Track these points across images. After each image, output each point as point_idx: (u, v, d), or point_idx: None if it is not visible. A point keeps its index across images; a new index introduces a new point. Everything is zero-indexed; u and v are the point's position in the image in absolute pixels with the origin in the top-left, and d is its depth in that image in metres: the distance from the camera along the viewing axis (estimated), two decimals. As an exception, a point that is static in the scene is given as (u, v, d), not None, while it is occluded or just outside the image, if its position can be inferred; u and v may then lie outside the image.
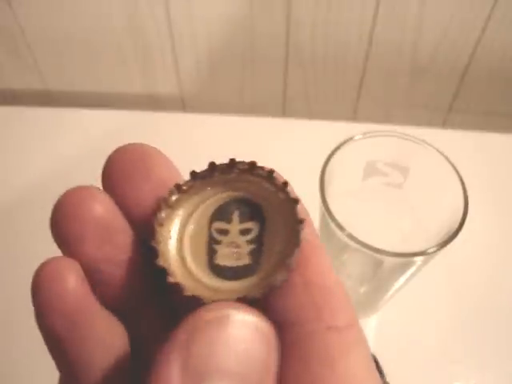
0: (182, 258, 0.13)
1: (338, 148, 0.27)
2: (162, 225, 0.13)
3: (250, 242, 0.13)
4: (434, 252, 0.24)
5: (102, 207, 0.13)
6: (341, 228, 0.25)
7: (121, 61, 0.49)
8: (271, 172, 0.14)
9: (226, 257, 0.13)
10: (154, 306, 0.14)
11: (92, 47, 0.48)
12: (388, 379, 0.31)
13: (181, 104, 0.53)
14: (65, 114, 0.49)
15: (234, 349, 0.11)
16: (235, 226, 0.14)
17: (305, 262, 0.13)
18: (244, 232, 0.14)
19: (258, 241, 0.13)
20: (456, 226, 0.25)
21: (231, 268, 0.13)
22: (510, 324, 0.35)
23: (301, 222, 0.13)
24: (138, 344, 0.14)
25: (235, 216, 0.14)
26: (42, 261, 0.13)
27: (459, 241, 0.25)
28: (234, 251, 0.13)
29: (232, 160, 0.14)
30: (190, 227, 0.14)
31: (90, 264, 0.13)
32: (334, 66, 0.47)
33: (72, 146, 0.46)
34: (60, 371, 0.13)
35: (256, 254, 0.13)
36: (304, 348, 0.12)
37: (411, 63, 0.46)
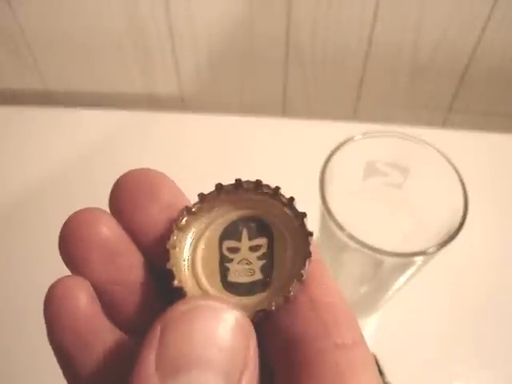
0: (197, 279, 0.14)
1: (337, 148, 0.27)
2: (174, 247, 0.14)
3: (260, 257, 0.14)
4: (434, 252, 0.24)
5: (107, 229, 0.13)
6: (341, 228, 0.25)
7: (121, 61, 0.49)
8: (277, 189, 0.14)
9: (239, 273, 0.14)
10: None
11: (92, 47, 0.48)
12: (388, 379, 0.31)
13: (181, 104, 0.53)
14: (65, 113, 0.49)
15: (211, 339, 0.11)
16: (245, 243, 0.14)
17: (310, 279, 0.13)
18: (254, 248, 0.14)
19: (269, 256, 0.14)
20: (456, 225, 0.25)
21: (244, 284, 0.14)
22: (510, 324, 0.35)
23: (310, 234, 0.13)
24: None
25: (244, 234, 0.14)
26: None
27: (459, 241, 0.25)
28: (246, 268, 0.14)
29: (238, 180, 0.14)
30: (202, 248, 0.14)
31: (95, 284, 0.13)
32: (333, 65, 0.47)
33: (72, 146, 0.46)
34: None
35: (267, 269, 0.14)
36: (314, 367, 0.12)
37: (411, 63, 0.46)
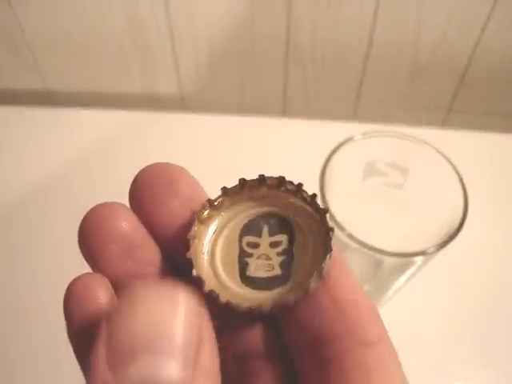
0: (215, 271, 0.14)
1: (337, 148, 0.27)
2: (194, 238, 0.14)
3: (280, 253, 0.14)
4: (434, 252, 0.24)
5: (126, 223, 0.14)
6: (341, 228, 0.25)
7: (121, 60, 0.49)
8: (300, 186, 0.14)
9: (258, 268, 0.14)
10: None
11: (92, 47, 0.48)
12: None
13: (181, 104, 0.53)
14: (65, 113, 0.49)
15: (156, 323, 0.10)
16: (265, 239, 0.14)
17: (332, 277, 0.13)
18: (274, 244, 0.14)
19: (288, 252, 0.14)
20: (456, 225, 0.25)
21: (263, 278, 0.14)
22: (510, 324, 0.35)
23: (331, 229, 0.13)
24: None
25: (265, 230, 0.14)
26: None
27: (459, 241, 0.25)
28: (266, 263, 0.14)
29: (261, 176, 0.15)
30: (221, 241, 0.14)
31: (114, 278, 0.13)
32: (334, 65, 0.47)
33: (72, 146, 0.46)
34: None
35: (287, 265, 0.14)
36: (343, 364, 0.12)
37: (411, 63, 0.46)
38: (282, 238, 0.14)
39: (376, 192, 0.31)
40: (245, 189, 0.15)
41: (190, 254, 0.13)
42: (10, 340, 0.35)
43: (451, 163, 0.27)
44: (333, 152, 0.27)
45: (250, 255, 0.14)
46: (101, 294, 0.13)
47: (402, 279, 0.28)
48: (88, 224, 0.13)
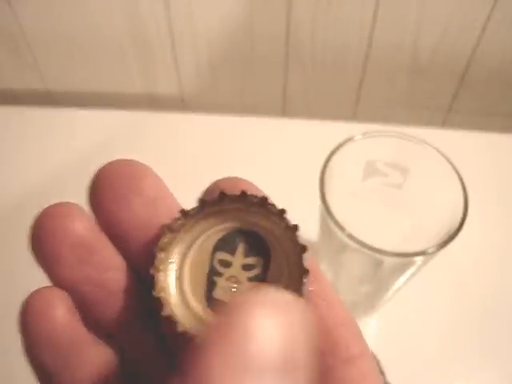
0: (181, 288, 0.13)
1: (337, 148, 0.27)
2: (163, 250, 0.13)
3: (252, 279, 0.13)
4: (434, 252, 0.24)
5: (81, 225, 0.12)
6: (341, 228, 0.25)
7: (121, 60, 0.49)
8: (282, 211, 0.13)
9: (224, 291, 0.13)
10: (146, 328, 0.13)
11: (92, 47, 0.48)
12: (388, 379, 0.31)
13: (181, 104, 0.53)
14: (65, 114, 0.49)
15: (276, 338, 0.09)
16: (239, 259, 0.13)
17: (313, 293, 0.13)
18: (247, 267, 0.13)
19: (261, 279, 0.13)
20: (456, 225, 0.25)
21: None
22: (510, 324, 0.35)
23: (304, 249, 0.12)
24: (131, 367, 0.13)
25: (240, 249, 0.13)
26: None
27: (459, 241, 0.25)
28: (234, 286, 0.13)
29: (243, 192, 0.13)
30: (192, 255, 0.13)
31: (70, 285, 0.12)
32: (333, 66, 0.47)
33: (72, 146, 0.46)
34: None
35: None
36: (326, 382, 0.12)
37: (411, 63, 0.46)
38: (257, 261, 0.13)
39: (376, 192, 0.31)
40: (224, 201, 0.13)
41: (153, 269, 0.12)
42: (9, 340, 0.35)
43: (451, 163, 0.27)
44: (333, 152, 0.27)
45: (220, 274, 0.13)
46: (59, 314, 0.12)
47: (402, 279, 0.28)
48: (40, 226, 0.12)
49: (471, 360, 0.34)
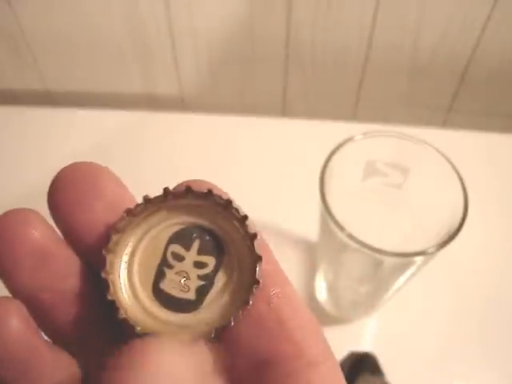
0: (132, 284, 0.13)
1: (337, 148, 0.27)
2: (111, 251, 0.13)
3: (201, 277, 0.13)
4: (434, 252, 0.24)
5: (37, 232, 0.12)
6: (341, 228, 0.25)
7: (121, 61, 0.49)
8: (245, 217, 0.13)
9: (172, 285, 0.13)
10: (105, 335, 0.13)
11: (92, 47, 0.48)
12: (388, 379, 0.31)
13: (181, 104, 0.53)
14: (65, 114, 0.49)
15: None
16: (192, 255, 0.13)
17: (274, 295, 0.12)
18: (199, 265, 0.13)
19: (210, 279, 0.13)
20: (456, 226, 0.25)
21: (174, 299, 0.13)
22: (510, 324, 0.35)
23: (259, 259, 0.12)
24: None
25: (195, 245, 0.13)
26: None
27: (459, 241, 0.25)
28: (182, 281, 0.13)
29: (209, 190, 0.13)
30: (143, 248, 0.13)
31: (26, 293, 0.12)
32: (333, 66, 0.47)
33: (72, 146, 0.46)
34: None
35: (202, 293, 0.13)
36: None
37: (411, 63, 0.46)
38: (210, 260, 0.13)
39: (376, 192, 0.31)
40: (169, 197, 0.13)
41: (104, 273, 0.12)
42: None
43: (451, 163, 0.27)
44: (333, 152, 0.27)
45: (171, 267, 0.13)
46: (13, 325, 0.12)
47: (402, 279, 0.28)
48: None
49: (471, 360, 0.34)
